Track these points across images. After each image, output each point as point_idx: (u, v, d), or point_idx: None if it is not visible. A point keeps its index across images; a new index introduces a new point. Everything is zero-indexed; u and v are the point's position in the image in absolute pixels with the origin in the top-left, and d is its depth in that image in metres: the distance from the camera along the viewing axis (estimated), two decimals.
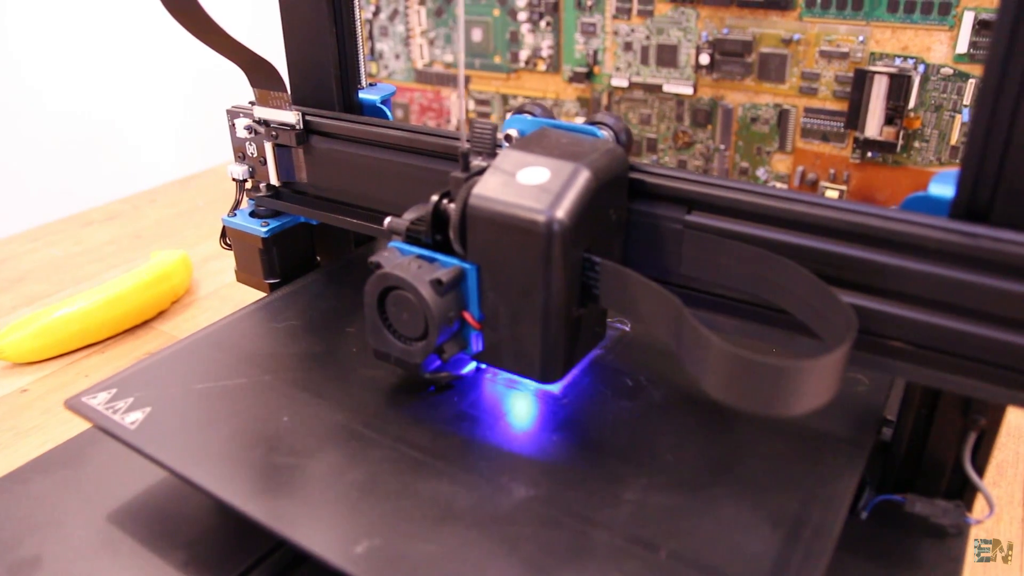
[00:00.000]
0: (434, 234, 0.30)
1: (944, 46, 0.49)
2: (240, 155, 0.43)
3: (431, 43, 0.70)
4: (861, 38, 0.52)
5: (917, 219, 0.25)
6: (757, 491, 0.27)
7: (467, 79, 0.69)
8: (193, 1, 0.35)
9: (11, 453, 0.40)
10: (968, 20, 0.48)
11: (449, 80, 0.71)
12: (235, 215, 0.44)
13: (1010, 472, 0.39)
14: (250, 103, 0.42)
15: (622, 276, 0.27)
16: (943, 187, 0.26)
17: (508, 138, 0.33)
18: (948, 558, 0.29)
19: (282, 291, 0.41)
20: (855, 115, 0.52)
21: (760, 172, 0.59)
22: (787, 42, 0.54)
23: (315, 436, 0.29)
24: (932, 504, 0.29)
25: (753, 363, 0.22)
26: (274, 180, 0.42)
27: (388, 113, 0.42)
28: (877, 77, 0.50)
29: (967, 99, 0.49)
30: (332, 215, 0.41)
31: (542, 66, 0.65)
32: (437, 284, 0.28)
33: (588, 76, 0.63)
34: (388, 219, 0.31)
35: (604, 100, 0.63)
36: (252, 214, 0.44)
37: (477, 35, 0.67)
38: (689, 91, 0.59)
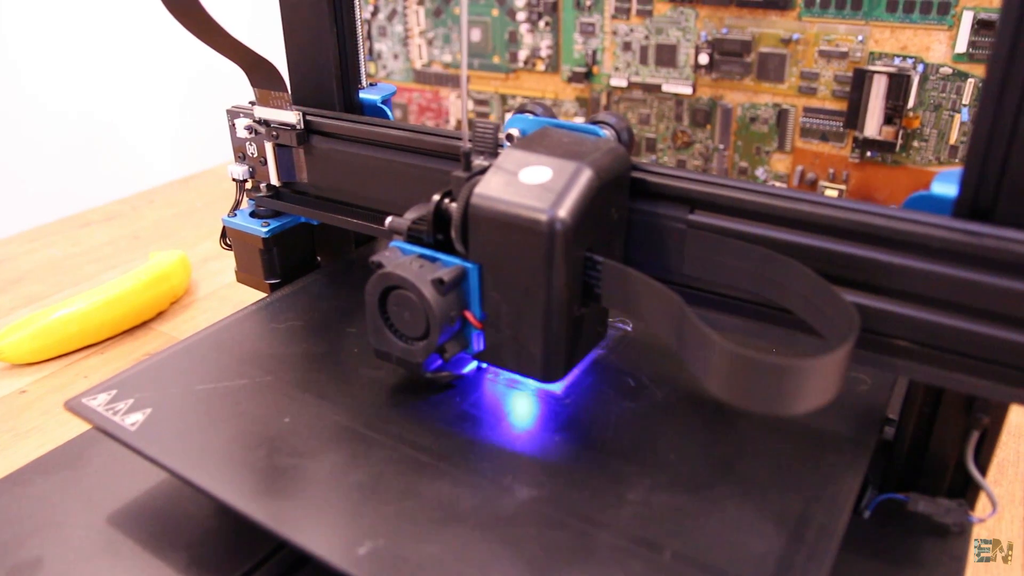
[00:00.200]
0: (435, 234, 0.30)
1: (943, 46, 0.49)
2: (240, 155, 0.43)
3: (430, 43, 0.70)
4: (860, 38, 0.52)
5: (920, 218, 0.25)
6: (760, 491, 0.27)
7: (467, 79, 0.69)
8: (194, 1, 0.34)
9: (10, 454, 0.40)
10: (967, 20, 0.48)
11: (448, 80, 0.71)
12: (235, 215, 0.44)
13: (1011, 471, 0.39)
14: (250, 103, 0.42)
15: (624, 275, 0.27)
16: (946, 186, 0.26)
17: (510, 137, 0.33)
18: (951, 557, 0.29)
19: (283, 291, 0.40)
20: (854, 115, 0.52)
21: (759, 172, 0.59)
22: (786, 42, 0.54)
23: (317, 437, 0.29)
24: (935, 503, 0.29)
25: (756, 362, 0.22)
26: (274, 180, 0.42)
27: (389, 113, 0.42)
28: (876, 77, 0.50)
29: (966, 98, 0.50)
30: (333, 215, 0.41)
31: (541, 66, 0.65)
32: (439, 283, 0.28)
33: (587, 76, 0.63)
34: (389, 219, 0.31)
35: (603, 100, 0.63)
36: (252, 214, 0.44)
37: (476, 35, 0.67)
38: (688, 91, 0.59)
